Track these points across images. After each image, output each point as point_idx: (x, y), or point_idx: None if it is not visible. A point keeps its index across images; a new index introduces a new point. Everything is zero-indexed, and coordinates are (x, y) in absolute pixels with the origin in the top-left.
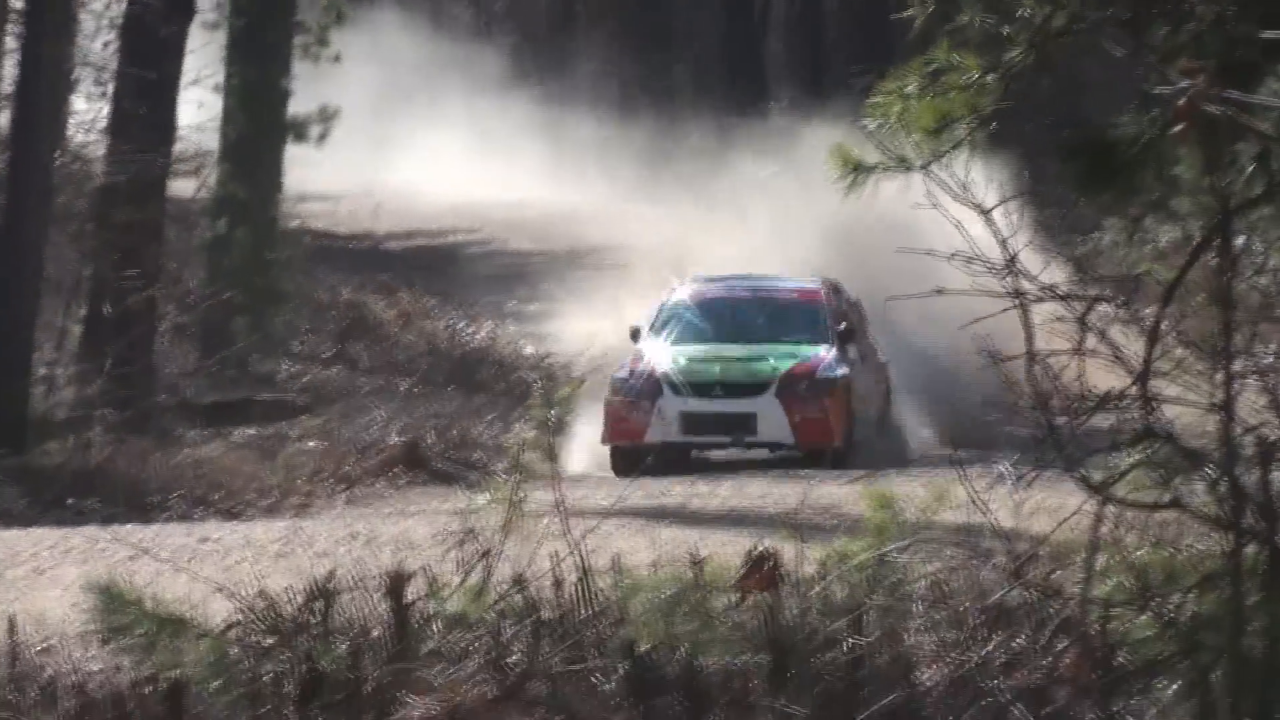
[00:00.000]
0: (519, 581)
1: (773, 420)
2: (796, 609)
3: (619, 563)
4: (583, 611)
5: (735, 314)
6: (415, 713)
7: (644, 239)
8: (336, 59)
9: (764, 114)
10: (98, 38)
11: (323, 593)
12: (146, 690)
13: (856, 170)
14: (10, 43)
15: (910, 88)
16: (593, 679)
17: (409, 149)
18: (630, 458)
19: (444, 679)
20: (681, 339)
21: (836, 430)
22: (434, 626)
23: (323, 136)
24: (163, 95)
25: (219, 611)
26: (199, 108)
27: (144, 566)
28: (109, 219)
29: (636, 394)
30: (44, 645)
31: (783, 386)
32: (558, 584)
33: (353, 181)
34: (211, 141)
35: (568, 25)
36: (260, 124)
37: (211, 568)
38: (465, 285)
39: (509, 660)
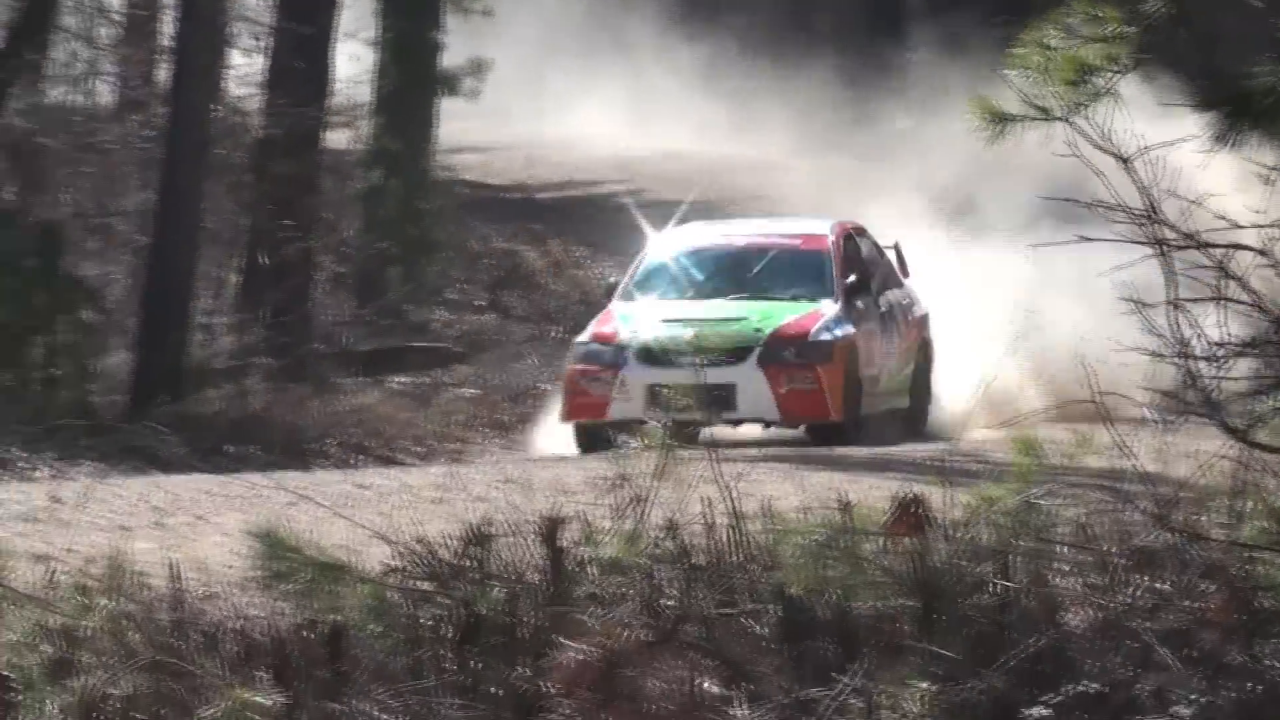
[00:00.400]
0: (671, 527)
1: (754, 393)
2: (944, 553)
3: (769, 507)
4: (734, 556)
5: (725, 267)
6: (571, 656)
7: (792, 190)
8: (486, 13)
9: (903, 63)
10: None
11: (479, 538)
12: (307, 635)
13: (999, 120)
14: None
15: (1050, 40)
16: (745, 622)
17: (563, 102)
18: (597, 436)
19: (599, 623)
20: (658, 297)
21: (833, 403)
22: (589, 571)
23: (475, 90)
24: (317, 49)
25: (377, 556)
26: (353, 61)
27: (303, 513)
28: (266, 171)
29: (598, 363)
30: (205, 591)
31: (767, 352)
32: (709, 529)
33: (507, 134)
34: (365, 94)
35: None
36: (412, 77)
37: (369, 513)
38: (616, 235)
39: (663, 604)
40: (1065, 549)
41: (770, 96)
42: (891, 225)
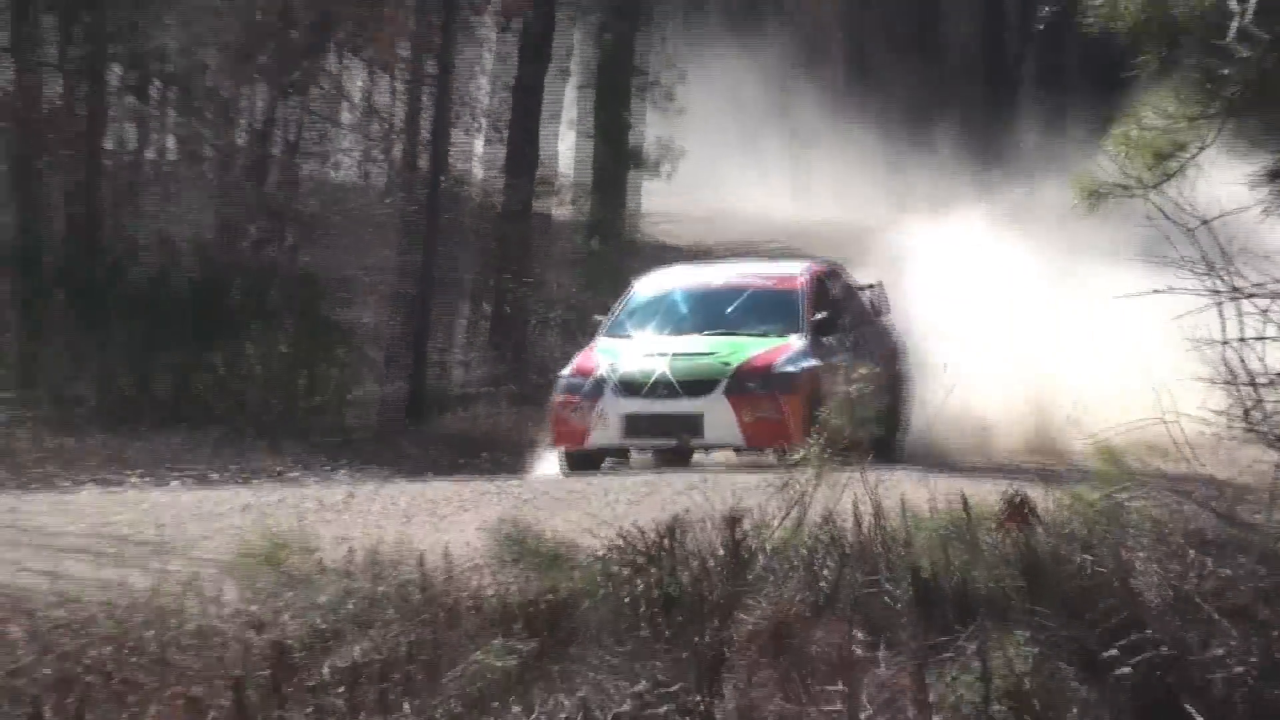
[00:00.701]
0: (827, 520)
1: (721, 421)
2: (1044, 540)
3: (904, 505)
4: (876, 543)
5: (702, 305)
6: (749, 622)
7: (924, 248)
8: (680, 111)
9: (1017, 135)
10: (474, 79)
11: (674, 528)
12: (545, 602)
13: (1094, 194)
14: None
15: (1139, 125)
16: (886, 596)
17: (741, 177)
18: (583, 461)
19: (770, 597)
20: (636, 334)
21: (795, 431)
22: (760, 556)
23: (669, 170)
24: (542, 139)
25: (593, 543)
26: (570, 148)
27: (536, 508)
28: (501, 236)
29: (579, 394)
30: (468, 566)
31: (734, 383)
32: (857, 522)
33: (694, 204)
34: (580, 174)
35: (861, 59)
36: (614, 159)
37: (585, 509)
38: None
39: (820, 582)
40: (1142, 538)
41: (909, 167)
42: (1003, 279)
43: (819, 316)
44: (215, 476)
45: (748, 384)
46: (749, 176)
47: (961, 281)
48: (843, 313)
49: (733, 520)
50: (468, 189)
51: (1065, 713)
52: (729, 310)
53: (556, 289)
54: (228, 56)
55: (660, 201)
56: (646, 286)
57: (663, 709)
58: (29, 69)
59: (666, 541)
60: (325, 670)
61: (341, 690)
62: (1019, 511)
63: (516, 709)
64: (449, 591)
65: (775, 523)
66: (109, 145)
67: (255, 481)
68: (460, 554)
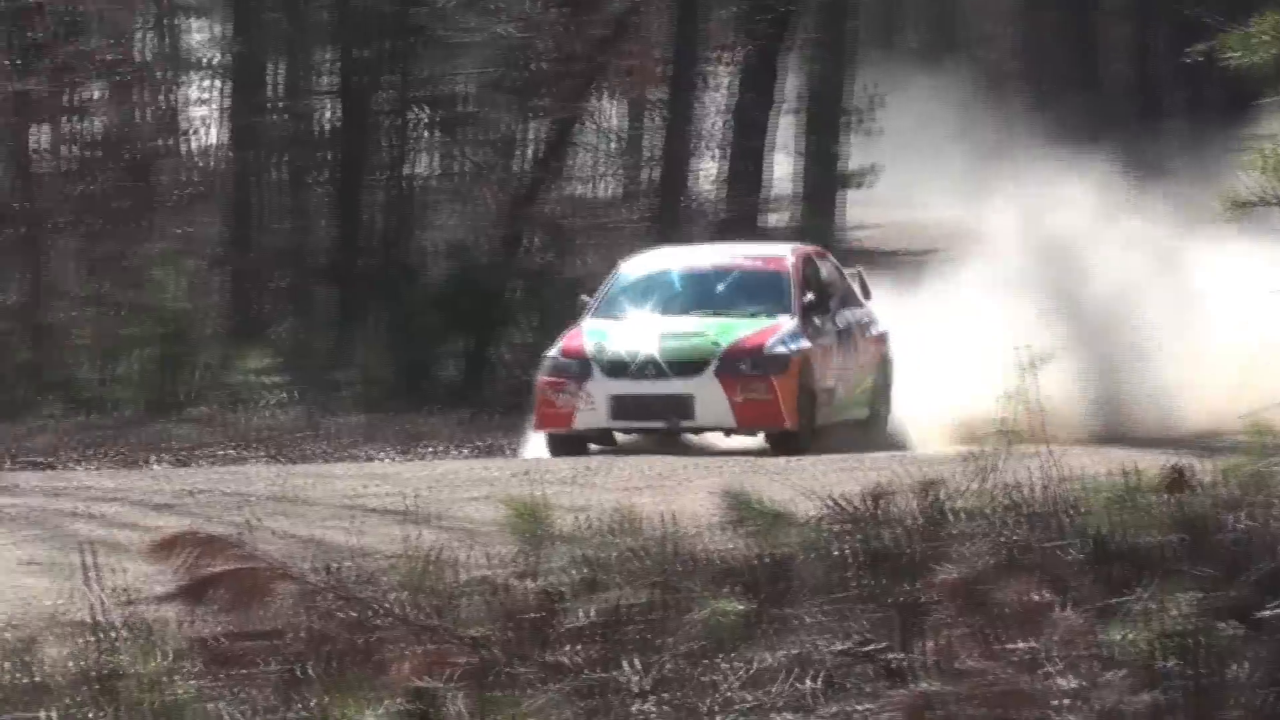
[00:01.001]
0: (1012, 486)
1: (712, 402)
2: (1202, 503)
3: (1081, 473)
4: (1056, 507)
5: (690, 287)
6: (944, 577)
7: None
8: (879, 131)
9: (1163, 155)
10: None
11: (877, 495)
12: (763, 562)
13: (1237, 206)
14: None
15: (1275, 145)
16: (1064, 553)
17: (934, 188)
18: (568, 445)
19: (962, 555)
20: (624, 315)
21: (787, 412)
22: (952, 518)
23: (862, 183)
24: (759, 157)
25: (806, 508)
26: (782, 165)
27: (749, 480)
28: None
29: (565, 375)
30: (690, 532)
31: (724, 364)
32: (1016, 485)
33: (893, 214)
34: (791, 186)
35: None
36: (824, 176)
37: (792, 481)
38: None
39: (1006, 540)
40: None
41: (1072, 182)
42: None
43: (809, 298)
44: (462, 452)
45: (739, 365)
46: (938, 189)
47: (1134, 273)
48: (832, 295)
49: (926, 486)
50: (699, 203)
51: (1228, 666)
52: (718, 291)
53: None
54: (507, 96)
55: (861, 212)
56: (634, 267)
57: (870, 656)
58: (353, 109)
59: (871, 504)
60: (580, 615)
61: (598, 635)
62: (1179, 478)
63: (737, 660)
64: (678, 551)
65: (965, 489)
66: (409, 170)
67: (494, 458)
68: (702, 515)
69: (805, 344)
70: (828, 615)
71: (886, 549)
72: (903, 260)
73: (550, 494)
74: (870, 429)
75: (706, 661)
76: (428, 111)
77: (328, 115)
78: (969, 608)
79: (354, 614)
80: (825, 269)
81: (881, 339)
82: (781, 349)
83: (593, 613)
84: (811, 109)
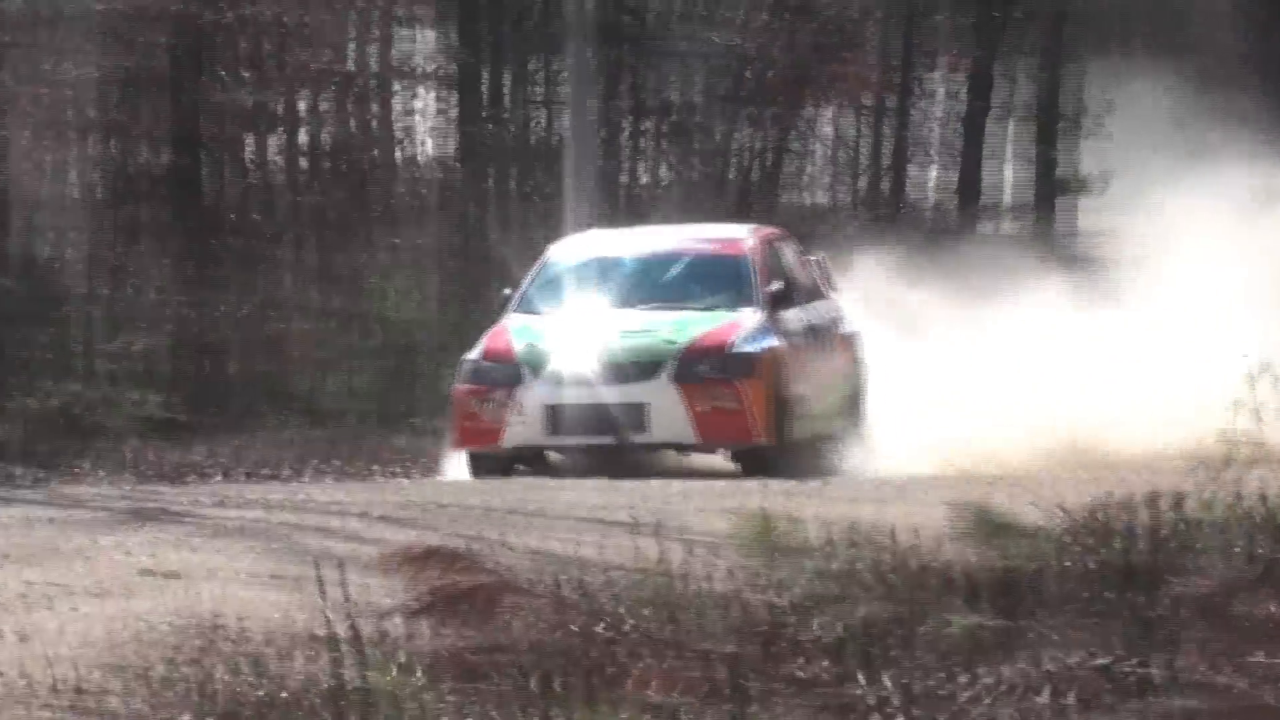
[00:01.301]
0: (1261, 497)
1: (668, 413)
2: None
3: None
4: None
5: (633, 275)
6: (1177, 588)
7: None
8: (1108, 137)
9: None
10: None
11: (1103, 506)
12: (993, 576)
13: None
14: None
15: None
16: None
17: (1166, 194)
18: (493, 465)
19: (1201, 569)
20: (557, 309)
21: (757, 424)
22: (1177, 529)
23: (1090, 189)
24: (978, 168)
25: (1030, 519)
26: (1005, 170)
27: (979, 490)
28: (948, 251)
29: (489, 382)
30: (914, 544)
31: (682, 367)
32: (1263, 498)
33: (1128, 220)
34: (1016, 194)
35: None
36: (1045, 183)
37: (1006, 493)
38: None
39: (1252, 553)
40: None
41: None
42: None
43: (774, 287)
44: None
45: (698, 367)
46: (1176, 194)
47: None
48: (798, 285)
49: (1153, 498)
50: (922, 211)
51: None
52: (667, 279)
53: None
54: (726, 104)
55: (1095, 219)
56: (566, 253)
57: (1117, 672)
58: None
59: (1100, 515)
60: (822, 628)
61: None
62: None
63: (980, 670)
64: (920, 562)
65: (1195, 502)
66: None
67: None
68: (932, 527)
69: (774, 342)
70: (1076, 628)
71: (1130, 562)
72: (1116, 264)
73: (797, 506)
74: (848, 446)
75: (962, 677)
76: (652, 121)
77: (542, 124)
78: (1217, 623)
79: (601, 629)
80: (789, 254)
81: (854, 340)
82: (749, 348)
83: (839, 627)
84: (1037, 115)
